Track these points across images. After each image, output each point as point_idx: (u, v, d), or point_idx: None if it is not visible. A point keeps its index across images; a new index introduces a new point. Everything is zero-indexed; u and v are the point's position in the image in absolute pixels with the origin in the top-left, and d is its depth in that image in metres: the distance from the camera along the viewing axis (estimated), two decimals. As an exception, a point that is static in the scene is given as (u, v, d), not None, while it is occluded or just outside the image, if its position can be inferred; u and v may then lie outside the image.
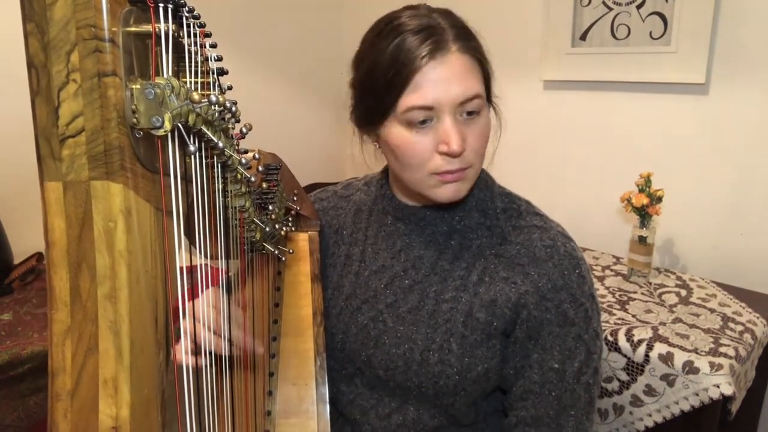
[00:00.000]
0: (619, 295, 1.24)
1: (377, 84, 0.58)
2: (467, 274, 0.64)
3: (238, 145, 0.46)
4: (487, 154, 0.70)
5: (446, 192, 0.60)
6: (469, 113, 0.57)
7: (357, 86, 0.62)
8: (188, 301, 0.36)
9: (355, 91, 0.63)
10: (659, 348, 1.01)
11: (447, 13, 0.59)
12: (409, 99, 0.55)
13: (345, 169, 2.36)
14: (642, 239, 1.28)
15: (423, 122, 0.56)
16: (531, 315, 0.60)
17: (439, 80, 0.54)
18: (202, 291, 0.58)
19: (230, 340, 0.56)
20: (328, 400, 0.63)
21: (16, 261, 1.55)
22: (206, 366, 0.48)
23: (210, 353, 0.53)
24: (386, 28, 0.58)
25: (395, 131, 0.58)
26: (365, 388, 0.68)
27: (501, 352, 0.62)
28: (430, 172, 0.58)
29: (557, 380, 0.60)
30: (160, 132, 0.31)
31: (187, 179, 0.38)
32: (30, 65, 0.30)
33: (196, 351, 0.53)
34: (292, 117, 2.19)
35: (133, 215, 0.32)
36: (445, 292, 0.64)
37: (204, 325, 0.54)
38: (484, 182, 0.68)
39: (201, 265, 0.43)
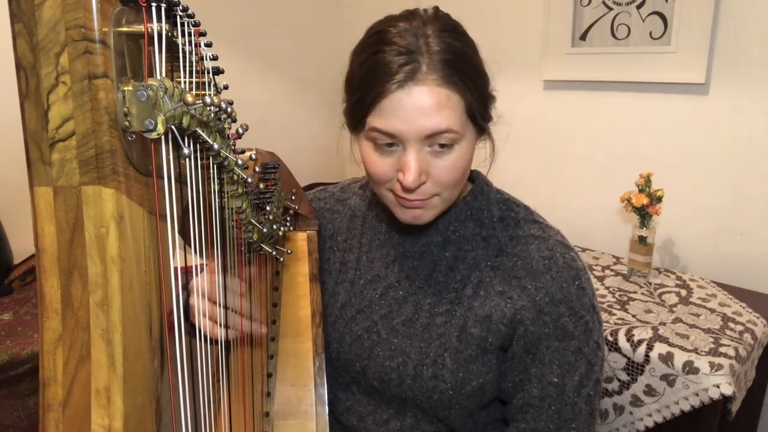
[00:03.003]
0: (619, 295, 1.24)
1: (352, 95, 0.57)
2: (462, 287, 0.62)
3: (234, 145, 0.45)
4: (485, 182, 0.68)
5: (405, 215, 0.59)
6: (441, 145, 0.54)
7: (344, 86, 0.60)
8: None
9: (344, 89, 0.61)
10: (659, 348, 1.01)
11: (445, 32, 0.53)
12: (374, 121, 0.54)
13: (344, 168, 2.35)
14: (642, 239, 1.28)
15: (390, 145, 0.55)
16: (528, 330, 0.59)
17: (405, 111, 0.52)
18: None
19: (227, 313, 0.55)
20: (326, 401, 0.62)
21: (16, 261, 1.54)
22: (200, 338, 0.47)
23: (206, 324, 0.52)
24: (372, 39, 0.55)
25: (364, 144, 0.58)
26: (362, 395, 0.67)
27: (497, 367, 0.61)
28: (389, 189, 0.58)
29: (557, 394, 0.58)
30: (153, 135, 0.30)
31: (181, 181, 0.38)
32: (18, 67, 0.30)
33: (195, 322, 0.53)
34: (290, 116, 2.18)
35: (125, 220, 0.32)
36: (440, 305, 0.62)
37: (199, 294, 0.54)
38: (480, 189, 0.66)
39: (196, 265, 0.42)
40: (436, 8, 0.57)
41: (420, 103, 0.52)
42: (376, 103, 0.53)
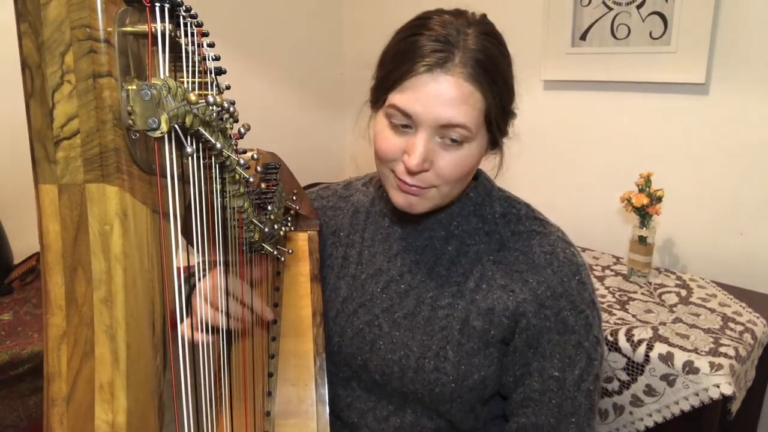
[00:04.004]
0: (619, 295, 1.24)
1: (382, 69, 0.58)
2: (464, 280, 0.63)
3: (236, 145, 0.45)
4: (487, 180, 0.69)
5: (400, 199, 0.59)
6: (452, 140, 0.55)
7: (378, 61, 0.60)
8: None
9: (377, 64, 0.61)
10: (659, 348, 1.01)
11: (485, 35, 0.54)
12: (394, 98, 0.55)
13: (345, 168, 2.36)
14: (642, 239, 1.28)
15: (404, 126, 0.56)
16: (530, 323, 0.59)
17: (427, 95, 0.53)
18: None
19: (228, 314, 0.56)
20: (327, 401, 0.62)
21: (16, 261, 1.55)
22: (203, 344, 0.47)
23: (210, 327, 0.53)
24: (415, 22, 0.56)
25: (379, 120, 0.59)
26: (363, 391, 0.67)
27: (498, 360, 0.62)
28: (391, 169, 0.59)
29: (557, 388, 0.59)
30: (157, 134, 0.31)
31: (184, 180, 0.38)
32: (24, 66, 0.30)
33: (199, 327, 0.54)
34: (291, 116, 2.18)
35: (129, 218, 0.32)
36: (442, 299, 0.63)
37: (201, 297, 0.55)
38: (483, 186, 0.67)
39: (198, 263, 0.42)
40: (484, 15, 0.58)
41: (443, 92, 0.52)
42: (401, 81, 0.54)
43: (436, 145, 0.55)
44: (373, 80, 0.61)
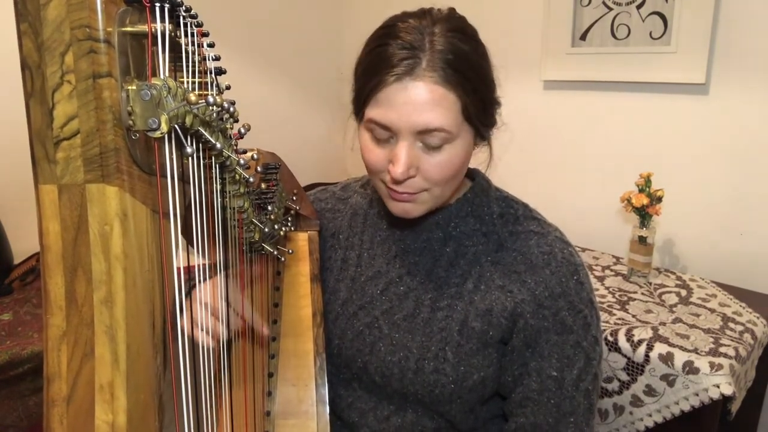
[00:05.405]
0: (619, 295, 1.24)
1: (357, 83, 0.58)
2: (462, 281, 0.63)
3: (236, 145, 0.45)
4: (484, 180, 0.68)
5: (394, 207, 0.60)
6: (433, 143, 0.55)
7: (353, 74, 0.60)
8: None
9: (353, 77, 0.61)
10: (659, 348, 1.01)
11: (453, 32, 0.54)
12: (371, 112, 0.55)
13: (345, 169, 2.36)
14: (642, 239, 1.28)
15: (385, 136, 0.56)
16: (528, 324, 0.59)
17: (400, 104, 0.52)
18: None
19: (228, 324, 0.56)
20: (327, 401, 0.62)
21: (16, 261, 1.55)
22: (203, 345, 0.47)
23: (208, 332, 0.53)
24: (381, 32, 0.56)
25: (363, 133, 0.59)
26: (363, 391, 0.68)
27: (498, 360, 0.62)
28: (381, 179, 0.59)
29: (556, 388, 0.59)
30: (157, 134, 0.31)
31: (184, 180, 0.38)
32: (24, 66, 0.30)
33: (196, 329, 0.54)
34: (291, 117, 2.18)
35: (129, 218, 0.32)
36: (441, 300, 0.63)
37: (201, 305, 0.55)
38: (480, 187, 0.67)
39: (199, 265, 0.42)
40: (451, 9, 0.57)
41: (415, 98, 0.52)
42: (374, 94, 0.54)
43: (419, 150, 0.55)
44: (352, 93, 0.61)
